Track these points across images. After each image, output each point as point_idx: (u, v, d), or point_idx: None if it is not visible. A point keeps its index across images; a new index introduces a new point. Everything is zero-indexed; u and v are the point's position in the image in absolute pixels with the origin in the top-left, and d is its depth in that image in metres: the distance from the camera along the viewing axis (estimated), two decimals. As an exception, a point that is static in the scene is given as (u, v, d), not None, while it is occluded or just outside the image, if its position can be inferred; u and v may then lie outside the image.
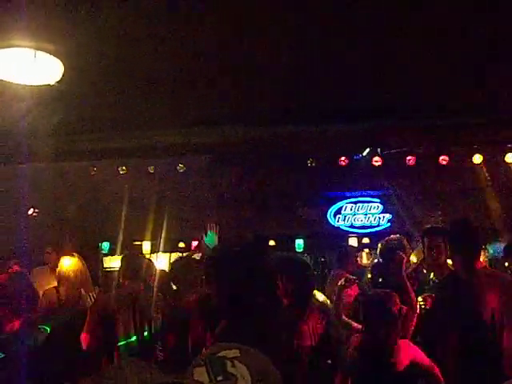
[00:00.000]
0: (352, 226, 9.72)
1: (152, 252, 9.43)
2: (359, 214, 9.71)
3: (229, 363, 1.42)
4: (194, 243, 9.42)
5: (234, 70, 3.48)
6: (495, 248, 8.14)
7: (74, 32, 2.95)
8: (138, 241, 9.27)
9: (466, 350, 3.50)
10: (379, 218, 9.74)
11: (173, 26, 2.98)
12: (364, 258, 9.89)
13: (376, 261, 5.37)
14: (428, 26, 2.99)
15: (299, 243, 9.56)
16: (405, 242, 4.61)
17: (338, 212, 9.71)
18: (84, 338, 3.98)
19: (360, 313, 3.64)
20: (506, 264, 5.76)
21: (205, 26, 2.96)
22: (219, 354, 1.46)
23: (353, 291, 4.61)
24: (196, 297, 3.64)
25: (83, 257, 4.98)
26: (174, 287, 4.94)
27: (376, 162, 7.21)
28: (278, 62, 3.39)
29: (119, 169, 7.08)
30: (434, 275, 4.47)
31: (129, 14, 2.82)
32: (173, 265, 4.83)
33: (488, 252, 8.33)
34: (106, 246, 9.50)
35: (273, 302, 3.19)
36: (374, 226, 9.73)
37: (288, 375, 1.72)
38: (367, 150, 7.54)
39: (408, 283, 4.02)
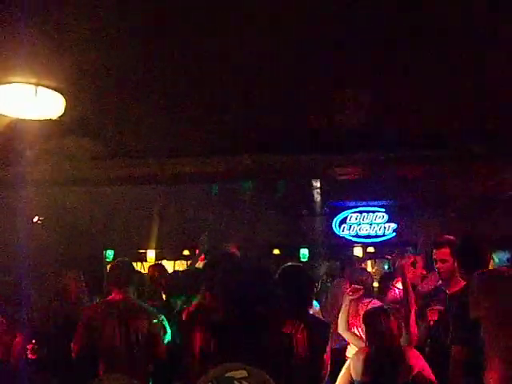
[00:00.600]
0: (357, 236, 9.70)
1: (157, 260, 9.45)
2: (364, 224, 9.69)
3: None
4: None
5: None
6: (500, 256, 8.09)
7: (75, 67, 2.99)
8: (142, 249, 9.28)
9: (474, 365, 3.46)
10: (384, 227, 9.72)
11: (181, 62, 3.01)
12: (369, 266, 9.89)
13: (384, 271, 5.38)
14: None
15: (304, 253, 9.56)
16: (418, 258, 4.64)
17: (343, 221, 9.69)
18: (73, 348, 4.02)
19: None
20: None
21: (223, 64, 3.00)
22: (227, 375, 1.46)
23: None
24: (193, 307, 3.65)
25: (87, 264, 5.02)
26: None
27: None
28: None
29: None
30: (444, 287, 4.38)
31: (133, 48, 2.85)
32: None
33: (493, 261, 8.27)
34: (110, 253, 9.52)
35: (273, 315, 3.21)
36: (379, 236, 9.71)
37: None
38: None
39: (408, 289, 4.12)
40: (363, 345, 3.84)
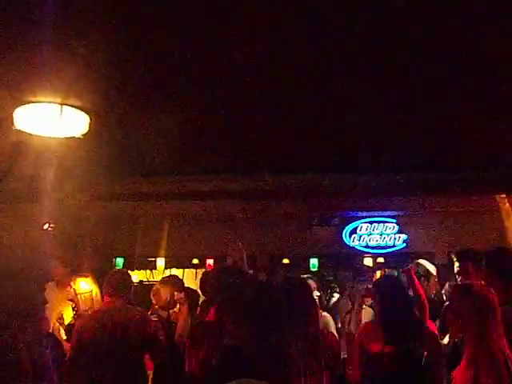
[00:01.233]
0: (367, 246, 9.64)
1: (166, 268, 9.44)
2: (374, 234, 9.63)
3: None
4: (208, 260, 9.42)
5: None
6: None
7: (99, 87, 3.01)
8: (152, 257, 9.27)
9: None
10: (395, 238, 9.65)
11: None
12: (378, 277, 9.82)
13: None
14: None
15: (313, 263, 9.51)
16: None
17: (354, 232, 9.64)
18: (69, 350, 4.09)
19: None
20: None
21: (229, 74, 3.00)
22: None
23: None
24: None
25: (97, 272, 5.02)
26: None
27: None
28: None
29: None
30: None
31: (156, 68, 2.86)
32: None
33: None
34: (120, 261, 9.50)
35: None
36: (390, 247, 9.65)
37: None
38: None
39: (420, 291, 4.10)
40: None
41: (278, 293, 3.47)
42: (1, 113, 3.25)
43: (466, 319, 3.02)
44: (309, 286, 3.77)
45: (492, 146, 4.02)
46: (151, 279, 9.78)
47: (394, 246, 9.63)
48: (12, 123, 3.27)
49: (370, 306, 4.77)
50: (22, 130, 3.36)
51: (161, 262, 9.26)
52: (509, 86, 3.04)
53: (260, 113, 3.46)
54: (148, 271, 9.80)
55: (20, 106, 3.15)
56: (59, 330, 4.71)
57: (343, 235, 9.60)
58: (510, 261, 3.62)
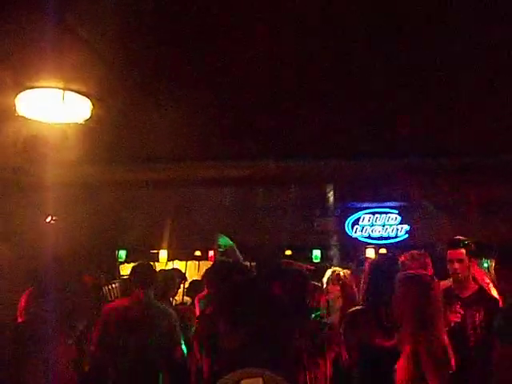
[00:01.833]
0: (370, 237, 9.65)
1: (169, 260, 9.45)
2: (377, 225, 9.63)
3: None
4: (211, 252, 9.43)
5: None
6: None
7: (102, 72, 2.99)
8: (154, 249, 9.28)
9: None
10: (397, 229, 9.66)
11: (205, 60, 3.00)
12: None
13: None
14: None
15: (316, 254, 9.52)
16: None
17: (356, 223, 9.65)
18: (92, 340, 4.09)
19: None
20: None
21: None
22: (242, 382, 1.46)
23: None
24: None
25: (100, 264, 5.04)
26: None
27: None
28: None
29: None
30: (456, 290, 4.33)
31: (160, 53, 2.84)
32: None
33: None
34: (122, 253, 9.52)
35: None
36: (392, 237, 9.65)
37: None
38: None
39: None
40: None
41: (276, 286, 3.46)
42: (3, 98, 3.23)
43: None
44: (306, 276, 3.71)
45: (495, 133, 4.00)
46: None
47: (396, 236, 9.64)
48: (14, 109, 3.25)
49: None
50: (24, 115, 3.34)
51: (163, 253, 9.28)
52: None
53: (263, 98, 3.44)
54: (151, 263, 9.79)
55: (22, 91, 3.13)
56: None
57: (345, 226, 9.61)
58: None
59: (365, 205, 9.57)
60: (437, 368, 2.83)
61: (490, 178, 5.04)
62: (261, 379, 1.47)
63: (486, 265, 7.82)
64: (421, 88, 3.30)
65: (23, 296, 3.90)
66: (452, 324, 4.08)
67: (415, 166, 4.45)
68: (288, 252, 9.49)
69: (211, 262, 7.35)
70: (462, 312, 3.95)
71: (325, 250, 9.62)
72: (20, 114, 3.30)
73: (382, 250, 9.83)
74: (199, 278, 7.04)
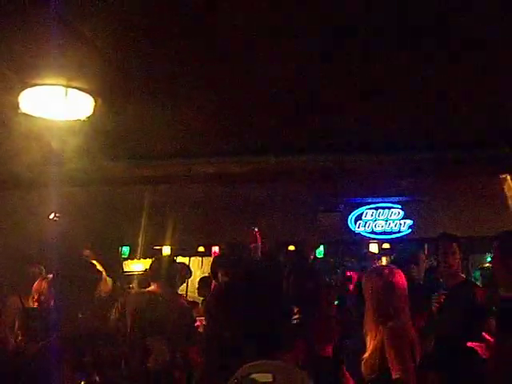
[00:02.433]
0: (373, 232, 9.64)
1: (172, 256, 9.45)
2: (380, 220, 9.62)
3: None
4: (214, 248, 9.44)
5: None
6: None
7: (104, 69, 2.99)
8: (157, 245, 9.28)
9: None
10: (400, 224, 9.64)
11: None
12: (384, 263, 9.83)
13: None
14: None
15: (319, 249, 9.52)
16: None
17: (359, 218, 9.63)
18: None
19: None
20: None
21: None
22: (252, 376, 1.44)
23: None
24: None
25: (103, 260, 5.07)
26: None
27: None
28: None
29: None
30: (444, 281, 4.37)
31: (163, 50, 2.84)
32: None
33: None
34: (126, 250, 9.53)
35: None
36: (395, 232, 9.64)
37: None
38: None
39: None
40: None
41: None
42: (6, 95, 3.24)
43: (368, 301, 3.05)
44: (316, 270, 3.76)
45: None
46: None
47: (399, 231, 9.62)
48: (17, 106, 3.26)
49: None
50: (27, 113, 3.35)
51: (166, 250, 9.28)
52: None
53: (264, 94, 3.44)
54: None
55: (25, 88, 3.13)
56: None
57: (348, 221, 9.60)
58: None
59: (368, 200, 9.55)
60: (401, 358, 2.84)
61: (493, 171, 5.05)
62: (270, 375, 1.46)
63: (489, 259, 7.82)
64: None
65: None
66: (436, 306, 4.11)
67: (417, 159, 4.45)
68: (291, 247, 9.49)
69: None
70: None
71: (328, 246, 9.61)
72: (23, 112, 3.31)
73: (386, 245, 9.83)
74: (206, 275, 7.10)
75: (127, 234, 9.12)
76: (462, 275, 4.29)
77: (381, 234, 9.65)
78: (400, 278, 3.11)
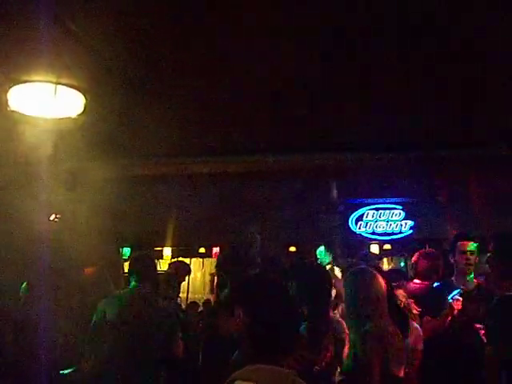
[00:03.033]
0: (374, 233, 9.62)
1: (173, 257, 9.46)
2: (381, 221, 9.61)
3: None
4: (215, 249, 9.43)
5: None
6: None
7: (94, 66, 2.98)
8: (158, 246, 9.29)
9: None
10: (401, 224, 9.62)
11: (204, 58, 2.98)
12: (385, 264, 9.83)
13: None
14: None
15: (320, 250, 9.48)
16: None
17: (360, 219, 9.62)
18: None
19: None
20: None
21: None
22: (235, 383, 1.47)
23: None
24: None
25: (104, 262, 5.05)
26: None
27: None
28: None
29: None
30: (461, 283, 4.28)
31: (154, 47, 2.83)
32: None
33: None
34: (126, 251, 9.53)
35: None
36: (396, 233, 9.62)
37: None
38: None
39: None
40: None
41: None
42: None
43: (345, 302, 3.07)
44: (327, 272, 3.74)
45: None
46: (158, 269, 9.79)
47: (400, 232, 9.60)
48: (7, 104, 3.23)
49: None
50: (16, 110, 3.32)
51: (167, 251, 9.28)
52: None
53: (264, 94, 3.44)
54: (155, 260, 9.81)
55: (15, 85, 3.11)
56: None
57: (349, 222, 9.59)
58: None
59: (369, 200, 9.54)
60: (368, 361, 2.85)
61: (494, 171, 5.04)
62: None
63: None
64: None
65: None
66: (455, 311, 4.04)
67: (417, 159, 4.45)
68: (292, 248, 9.48)
69: (214, 259, 7.38)
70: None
71: (328, 246, 9.58)
72: (12, 109, 3.28)
73: (387, 246, 9.82)
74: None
75: (128, 235, 9.12)
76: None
77: (382, 234, 9.64)
78: (378, 281, 3.11)
